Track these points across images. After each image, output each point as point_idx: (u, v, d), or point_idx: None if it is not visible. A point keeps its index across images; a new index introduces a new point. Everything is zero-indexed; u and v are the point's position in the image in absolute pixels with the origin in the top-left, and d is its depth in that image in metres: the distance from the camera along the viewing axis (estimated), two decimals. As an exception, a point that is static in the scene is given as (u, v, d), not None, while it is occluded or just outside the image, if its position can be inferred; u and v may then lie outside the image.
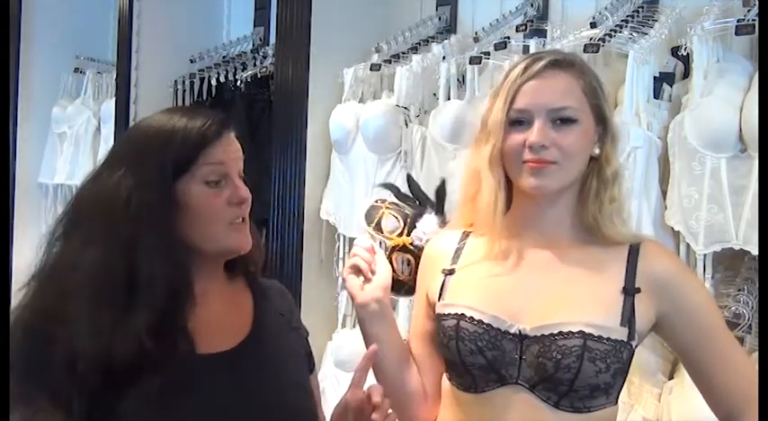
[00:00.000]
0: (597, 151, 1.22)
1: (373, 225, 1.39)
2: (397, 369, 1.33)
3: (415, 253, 1.38)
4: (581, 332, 1.14)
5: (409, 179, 1.48)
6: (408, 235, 1.38)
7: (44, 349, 1.03)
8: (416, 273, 1.38)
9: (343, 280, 1.35)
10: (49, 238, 1.14)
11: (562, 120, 1.18)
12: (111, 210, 1.09)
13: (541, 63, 1.20)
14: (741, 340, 1.64)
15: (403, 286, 1.37)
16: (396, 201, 1.43)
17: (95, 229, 1.10)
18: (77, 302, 1.05)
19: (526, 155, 1.18)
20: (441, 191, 1.45)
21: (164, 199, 1.10)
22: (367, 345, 1.34)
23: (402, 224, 1.39)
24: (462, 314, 1.20)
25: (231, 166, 1.16)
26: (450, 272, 1.28)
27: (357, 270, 1.33)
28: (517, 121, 1.20)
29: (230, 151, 1.16)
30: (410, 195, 1.45)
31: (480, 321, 1.19)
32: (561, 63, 1.21)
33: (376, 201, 1.43)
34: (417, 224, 1.38)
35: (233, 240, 1.16)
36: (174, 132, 1.14)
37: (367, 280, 1.32)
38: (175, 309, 1.08)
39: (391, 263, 1.38)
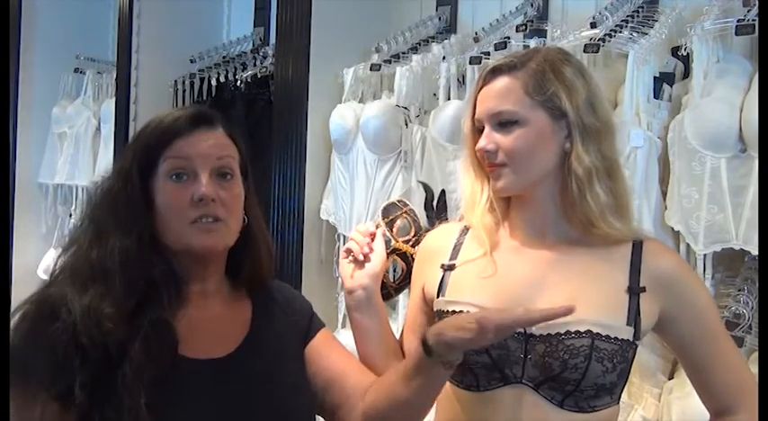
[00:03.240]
0: (568, 145, 1.21)
1: (387, 221, 1.39)
2: (382, 362, 1.30)
3: (410, 265, 1.37)
4: (589, 331, 1.13)
5: (442, 195, 1.48)
6: (413, 246, 1.38)
7: (40, 332, 1.04)
8: (401, 282, 1.39)
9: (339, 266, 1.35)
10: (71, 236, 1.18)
11: (502, 124, 1.21)
12: (95, 205, 1.14)
13: (486, 71, 1.25)
14: (741, 340, 1.64)
15: (383, 288, 1.36)
16: (416, 209, 1.43)
17: (87, 227, 1.14)
18: (68, 286, 1.08)
19: (485, 160, 1.23)
20: (440, 202, 1.46)
21: (133, 191, 1.11)
22: (355, 337, 1.33)
23: (413, 234, 1.39)
24: (467, 312, 1.18)
25: (200, 163, 1.12)
26: (450, 267, 1.27)
27: (351, 254, 1.33)
28: (478, 129, 1.25)
29: (201, 146, 1.13)
30: (435, 209, 1.45)
31: None
32: (502, 67, 1.23)
33: (398, 201, 1.43)
34: (425, 239, 1.37)
35: (195, 240, 1.12)
36: (150, 125, 1.15)
37: (358, 264, 1.31)
38: (153, 299, 1.08)
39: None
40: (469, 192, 1.28)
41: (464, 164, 1.30)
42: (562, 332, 1.14)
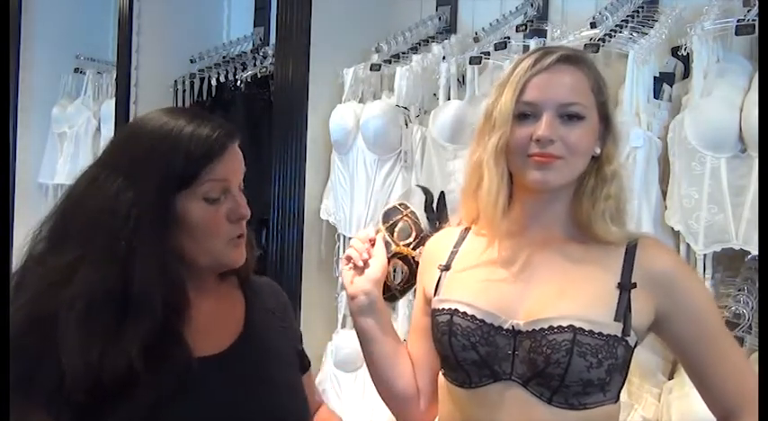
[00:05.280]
0: (598, 150, 1.22)
1: (387, 225, 1.40)
2: (387, 365, 1.32)
3: (413, 268, 1.38)
4: (571, 326, 1.13)
5: (441, 197, 1.48)
6: (415, 249, 1.38)
7: (38, 363, 1.01)
8: (405, 284, 1.40)
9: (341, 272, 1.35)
10: (34, 238, 1.10)
11: (570, 116, 1.18)
12: (109, 224, 1.05)
13: (552, 57, 1.20)
14: (741, 340, 1.64)
15: (388, 291, 1.37)
16: (416, 212, 1.43)
17: (91, 242, 1.05)
18: (71, 318, 1.01)
19: (532, 149, 1.17)
20: (440, 203, 1.46)
21: (163, 214, 1.06)
22: (360, 341, 1.34)
23: (414, 237, 1.39)
24: (456, 309, 1.20)
25: (233, 181, 1.12)
26: (447, 268, 1.28)
27: (351, 261, 1.34)
28: (524, 115, 1.19)
29: (234, 166, 1.12)
30: (435, 211, 1.45)
31: (473, 317, 1.18)
32: (572, 58, 1.21)
33: (399, 204, 1.44)
34: (427, 243, 1.38)
35: (229, 257, 1.13)
36: (177, 143, 1.07)
37: (358, 270, 1.32)
38: (173, 324, 1.06)
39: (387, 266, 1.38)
40: (493, 189, 1.20)
41: (491, 153, 1.20)
42: (546, 327, 1.14)
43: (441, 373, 1.28)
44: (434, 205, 1.46)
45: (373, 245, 1.35)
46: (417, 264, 1.38)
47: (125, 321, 1.02)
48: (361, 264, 1.32)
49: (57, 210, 1.12)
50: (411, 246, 1.39)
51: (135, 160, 1.09)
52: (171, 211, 1.07)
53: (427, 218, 1.44)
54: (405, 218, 1.40)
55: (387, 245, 1.36)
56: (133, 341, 1.01)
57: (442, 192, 1.48)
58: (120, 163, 1.09)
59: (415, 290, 1.40)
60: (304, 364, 1.30)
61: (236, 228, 1.12)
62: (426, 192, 1.48)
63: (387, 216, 1.41)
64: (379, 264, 1.33)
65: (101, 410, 1.01)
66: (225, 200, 1.11)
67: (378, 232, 1.37)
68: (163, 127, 1.09)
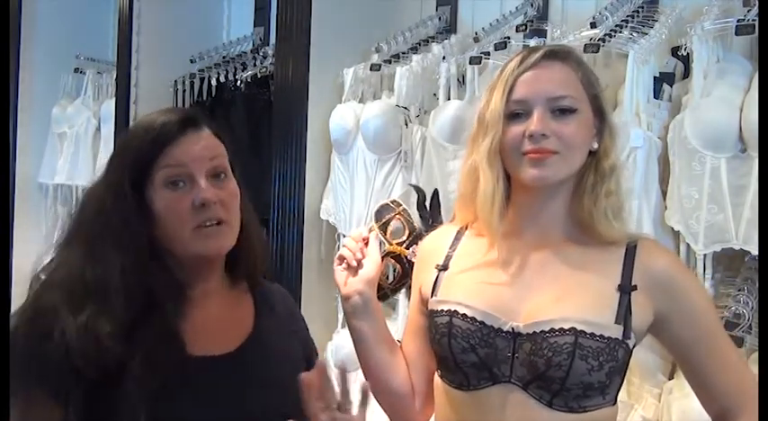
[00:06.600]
0: (596, 145, 1.21)
1: (380, 224, 1.39)
2: (382, 365, 1.32)
3: (406, 266, 1.38)
4: (573, 329, 1.12)
5: (434, 195, 1.48)
6: (408, 248, 1.38)
7: (36, 349, 1.04)
8: (398, 283, 1.40)
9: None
10: (55, 246, 1.15)
11: (561, 110, 1.17)
12: (84, 216, 1.12)
13: (538, 54, 1.20)
14: (741, 340, 1.64)
15: (380, 289, 1.37)
16: (409, 209, 1.43)
17: (73, 234, 1.12)
18: (61, 305, 1.05)
19: (526, 146, 1.16)
20: (434, 202, 1.46)
21: (128, 203, 1.09)
22: (354, 342, 1.34)
23: (406, 235, 1.39)
24: (455, 311, 1.19)
25: (196, 167, 1.11)
26: (444, 268, 1.27)
27: (344, 261, 1.33)
28: (515, 114, 1.18)
29: (194, 150, 1.12)
30: (428, 210, 1.45)
31: (473, 318, 1.18)
32: (558, 54, 1.21)
33: (391, 202, 1.43)
34: (420, 242, 1.37)
35: (201, 245, 1.12)
36: (134, 135, 1.13)
37: (351, 270, 1.32)
38: (156, 309, 1.07)
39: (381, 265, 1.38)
40: (490, 190, 1.20)
41: (484, 155, 1.20)
42: (547, 330, 1.14)
43: (437, 375, 1.27)
44: (427, 204, 1.46)
45: (367, 244, 1.34)
46: (410, 262, 1.38)
47: (106, 307, 1.05)
48: (354, 264, 1.31)
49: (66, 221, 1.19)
50: (404, 245, 1.39)
51: (110, 157, 1.16)
52: (139, 200, 1.10)
53: (420, 216, 1.44)
54: (397, 216, 1.40)
55: (380, 243, 1.36)
56: (111, 325, 1.03)
57: (436, 190, 1.48)
58: (106, 163, 1.16)
59: (407, 288, 1.40)
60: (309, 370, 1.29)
61: (204, 214, 1.11)
62: (418, 190, 1.48)
63: (379, 214, 1.41)
64: (373, 263, 1.32)
65: (103, 400, 1.02)
66: (190, 187, 1.11)
67: (371, 231, 1.37)
68: (134, 124, 1.17)
